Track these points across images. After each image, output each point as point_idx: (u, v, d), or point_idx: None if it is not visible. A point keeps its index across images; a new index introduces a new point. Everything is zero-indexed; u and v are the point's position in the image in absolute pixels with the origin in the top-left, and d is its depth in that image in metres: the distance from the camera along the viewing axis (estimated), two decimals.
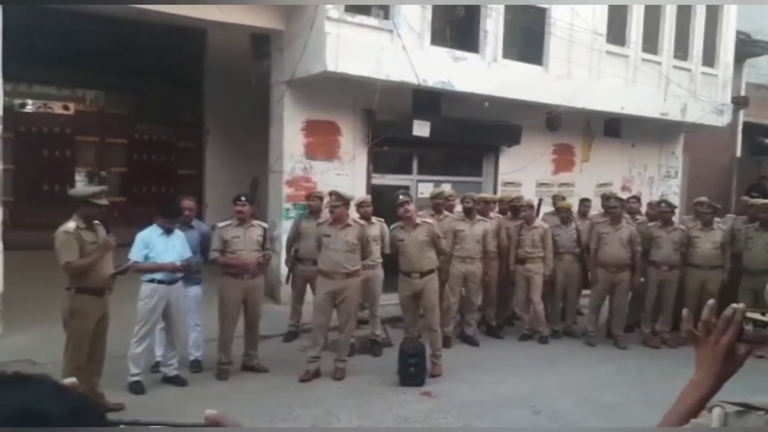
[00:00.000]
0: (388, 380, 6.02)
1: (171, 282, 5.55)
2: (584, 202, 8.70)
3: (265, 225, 6.35)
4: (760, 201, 8.09)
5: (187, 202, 6.18)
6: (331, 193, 6.24)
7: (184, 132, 12.10)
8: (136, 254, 5.45)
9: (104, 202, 4.96)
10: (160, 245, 5.51)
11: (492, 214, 7.84)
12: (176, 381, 5.71)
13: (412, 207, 6.35)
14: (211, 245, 5.97)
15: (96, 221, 4.99)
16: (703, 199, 7.90)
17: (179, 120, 11.90)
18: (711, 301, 1.20)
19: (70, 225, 4.78)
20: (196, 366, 6.13)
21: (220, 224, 6.08)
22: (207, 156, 11.33)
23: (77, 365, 4.80)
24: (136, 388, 5.45)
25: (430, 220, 6.53)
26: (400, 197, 6.56)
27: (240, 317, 6.09)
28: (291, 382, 5.90)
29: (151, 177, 12.03)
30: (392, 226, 6.64)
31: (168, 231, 5.58)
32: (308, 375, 5.96)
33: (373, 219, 7.00)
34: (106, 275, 4.96)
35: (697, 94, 11.61)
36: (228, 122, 10.77)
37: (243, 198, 6.05)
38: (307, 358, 6.05)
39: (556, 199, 8.48)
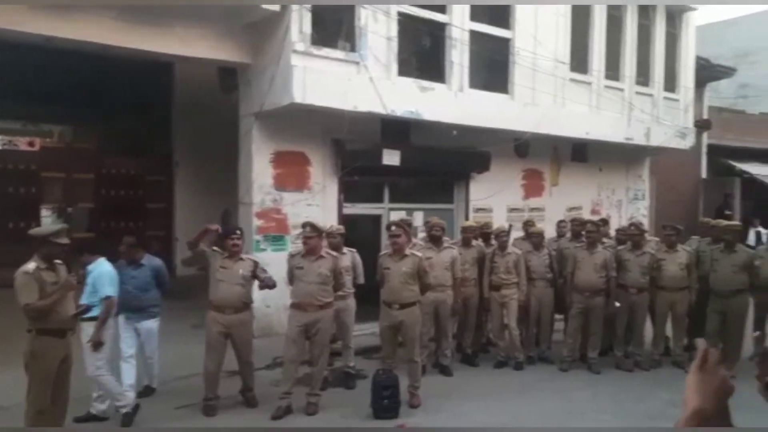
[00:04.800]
0: (362, 413, 5.92)
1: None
2: (561, 224, 8.79)
3: (255, 259, 6.24)
4: (724, 222, 8.24)
5: (127, 239, 6.27)
6: (304, 225, 6.16)
7: (152, 165, 11.99)
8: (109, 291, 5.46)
9: (65, 240, 4.84)
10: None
11: (474, 242, 7.85)
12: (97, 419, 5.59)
13: (402, 239, 6.29)
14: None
15: (58, 260, 4.88)
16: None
17: (147, 153, 11.81)
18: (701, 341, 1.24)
19: (30, 266, 4.66)
20: (146, 392, 6.24)
21: (216, 248, 6.11)
22: (176, 189, 11.24)
23: (40, 408, 4.66)
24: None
25: (418, 253, 6.50)
26: (392, 228, 6.53)
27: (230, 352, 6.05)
28: (263, 420, 5.77)
29: (119, 212, 11.87)
30: (381, 253, 6.64)
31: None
32: (280, 411, 5.83)
33: (345, 249, 6.96)
34: (67, 316, 4.84)
35: (659, 119, 11.91)
36: (197, 155, 10.71)
37: (238, 232, 6.11)
38: (279, 393, 5.94)
39: (527, 225, 8.54)
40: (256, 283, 6.11)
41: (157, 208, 11.77)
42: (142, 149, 11.82)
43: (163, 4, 7.20)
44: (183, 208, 11.02)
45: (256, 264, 6.11)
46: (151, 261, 6.36)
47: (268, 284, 6.10)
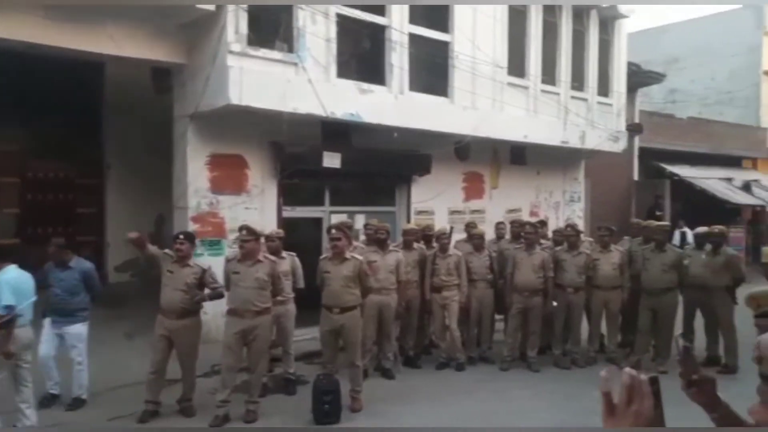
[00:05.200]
0: (302, 419, 5.84)
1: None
2: (499, 225, 8.93)
3: (205, 267, 6.05)
4: (654, 223, 8.53)
5: (55, 240, 6.19)
6: (241, 228, 6.06)
7: (82, 168, 11.47)
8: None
9: None
10: None
11: (415, 245, 7.85)
12: None
13: (342, 243, 6.22)
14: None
15: None
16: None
17: (77, 156, 11.29)
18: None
19: None
20: (76, 404, 6.00)
21: (169, 251, 5.99)
22: (108, 193, 10.83)
23: None
24: None
25: (359, 257, 6.44)
26: (332, 231, 6.45)
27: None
28: (201, 429, 5.61)
29: (47, 217, 11.31)
30: (321, 257, 6.56)
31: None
32: (217, 420, 5.68)
33: (284, 253, 6.85)
34: None
35: (594, 123, 12.25)
36: (130, 158, 10.35)
37: (182, 236, 5.98)
38: (216, 402, 5.78)
39: (469, 227, 8.62)
40: None
41: (87, 213, 11.28)
42: (71, 152, 11.31)
43: (94, 3, 6.92)
44: (115, 213, 10.63)
45: (204, 271, 5.96)
46: (80, 264, 6.19)
47: (213, 296, 5.99)
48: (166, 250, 6.04)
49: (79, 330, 6.07)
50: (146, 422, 5.70)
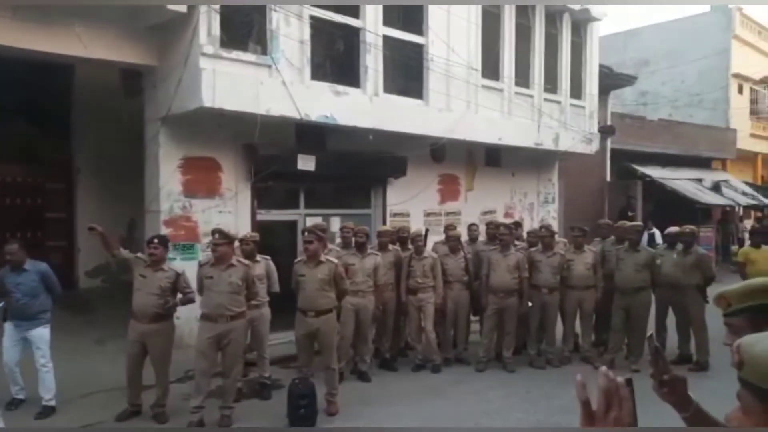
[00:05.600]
0: (278, 424, 5.79)
1: None
2: (471, 227, 8.94)
3: (179, 270, 6.00)
4: (628, 223, 8.64)
5: (8, 246, 6.05)
6: (213, 231, 5.99)
7: (51, 172, 11.25)
8: None
9: None
10: None
11: (390, 246, 7.84)
12: None
13: (314, 246, 6.18)
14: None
15: None
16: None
17: (46, 160, 11.07)
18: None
19: None
20: (46, 412, 5.87)
21: (141, 255, 5.96)
22: (78, 197, 10.64)
23: None
24: None
25: (334, 260, 6.41)
26: (305, 234, 6.40)
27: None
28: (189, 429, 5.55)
29: (15, 222, 11.06)
30: (296, 260, 6.50)
31: None
32: (191, 426, 5.60)
33: (258, 257, 6.79)
34: None
35: (567, 125, 12.37)
36: (100, 161, 10.19)
37: (156, 240, 5.92)
38: (190, 407, 5.69)
39: (447, 228, 8.63)
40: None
41: (57, 218, 11.06)
42: (40, 156, 11.09)
43: (61, 4, 6.80)
44: (85, 217, 10.39)
45: (178, 276, 5.92)
46: (35, 266, 6.12)
47: (185, 301, 5.98)
48: (138, 254, 6.00)
49: (41, 332, 5.99)
50: (124, 421, 5.75)
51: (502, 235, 7.87)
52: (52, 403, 5.96)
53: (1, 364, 6.03)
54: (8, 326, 5.95)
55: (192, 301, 6.02)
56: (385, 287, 7.50)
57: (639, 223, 9.88)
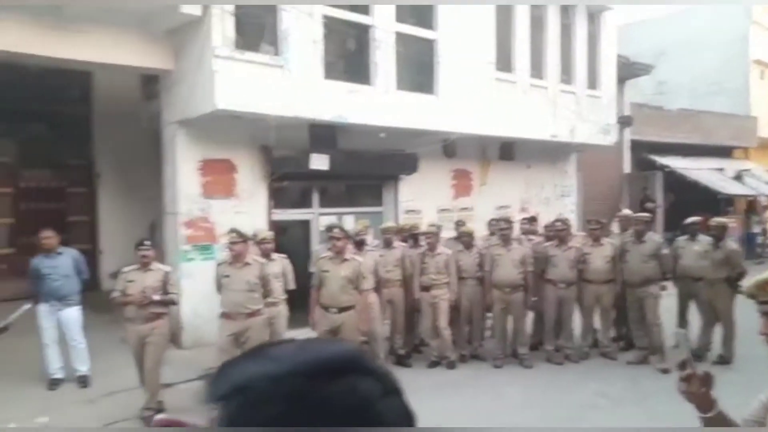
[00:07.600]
0: None
1: None
2: (492, 222, 8.90)
3: (167, 269, 6.16)
4: (632, 214, 8.52)
5: (43, 233, 6.67)
6: (230, 231, 6.18)
7: (73, 177, 11.49)
8: None
9: None
10: None
11: (396, 243, 7.88)
12: None
13: (342, 243, 6.35)
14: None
15: None
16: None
17: (68, 165, 11.31)
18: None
19: None
20: (83, 381, 6.59)
21: (125, 269, 6.05)
22: (100, 201, 10.83)
23: None
24: None
25: (359, 258, 6.52)
26: (335, 230, 6.57)
27: None
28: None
29: (40, 226, 11.29)
30: (320, 256, 6.65)
31: None
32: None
33: (274, 255, 6.90)
34: None
35: (583, 116, 12.26)
36: (120, 165, 10.37)
37: (147, 243, 6.08)
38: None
39: (459, 224, 8.64)
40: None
41: (79, 221, 11.31)
42: (61, 161, 11.33)
43: (77, 5, 6.94)
44: (107, 220, 10.65)
45: (166, 274, 6.03)
46: (68, 251, 6.79)
47: (167, 301, 5.98)
48: (124, 269, 6.07)
49: (73, 312, 6.57)
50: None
51: (502, 229, 7.84)
52: (88, 373, 6.61)
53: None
54: (43, 308, 6.42)
55: (173, 302, 6.10)
56: (390, 284, 7.53)
57: (645, 213, 9.71)
